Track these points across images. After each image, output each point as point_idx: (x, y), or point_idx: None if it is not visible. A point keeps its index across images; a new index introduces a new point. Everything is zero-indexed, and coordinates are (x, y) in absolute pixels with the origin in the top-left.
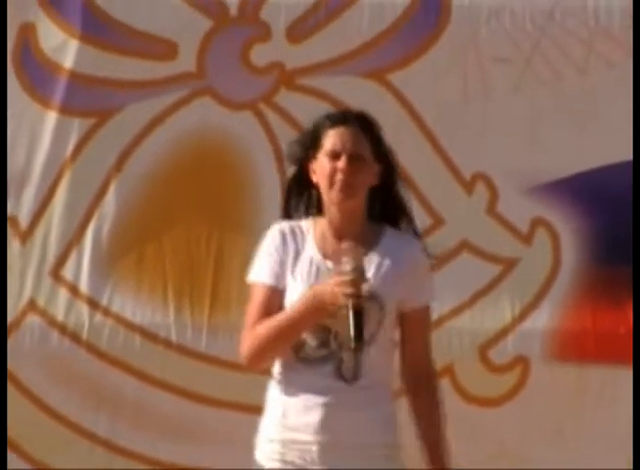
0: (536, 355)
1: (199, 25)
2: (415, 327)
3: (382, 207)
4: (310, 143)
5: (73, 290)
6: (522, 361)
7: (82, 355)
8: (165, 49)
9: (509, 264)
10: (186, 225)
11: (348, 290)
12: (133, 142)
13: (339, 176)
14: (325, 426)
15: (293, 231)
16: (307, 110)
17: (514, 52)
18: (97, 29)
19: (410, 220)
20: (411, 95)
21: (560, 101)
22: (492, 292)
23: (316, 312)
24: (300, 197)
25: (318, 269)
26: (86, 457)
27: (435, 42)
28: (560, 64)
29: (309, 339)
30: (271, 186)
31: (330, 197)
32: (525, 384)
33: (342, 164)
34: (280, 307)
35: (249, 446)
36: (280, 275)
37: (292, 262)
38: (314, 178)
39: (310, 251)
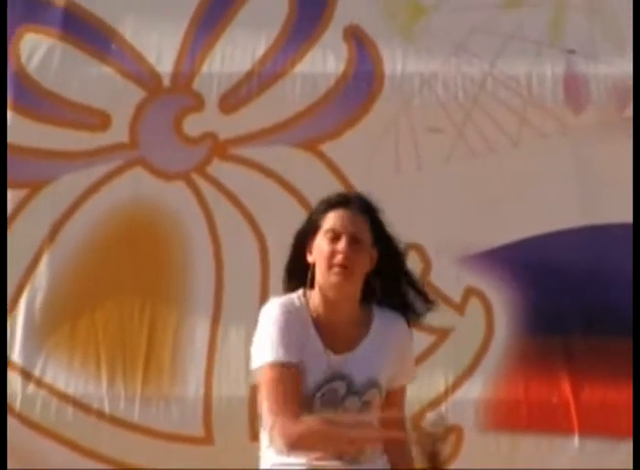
0: (470, 425)
1: (132, 96)
2: (396, 402)
3: (383, 293)
4: (308, 225)
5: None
6: (455, 431)
7: (15, 426)
8: (98, 120)
9: (442, 334)
10: (119, 296)
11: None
12: (66, 213)
13: (338, 258)
14: None
15: (289, 309)
16: (240, 180)
17: (446, 122)
18: (29, 100)
19: (413, 308)
20: (343, 165)
21: (492, 171)
22: (426, 362)
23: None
24: (294, 276)
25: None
26: None
27: (368, 112)
28: (492, 134)
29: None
30: (204, 257)
31: (327, 279)
32: (458, 453)
33: (341, 245)
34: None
35: None
36: (290, 350)
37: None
38: (310, 259)
39: (313, 338)
